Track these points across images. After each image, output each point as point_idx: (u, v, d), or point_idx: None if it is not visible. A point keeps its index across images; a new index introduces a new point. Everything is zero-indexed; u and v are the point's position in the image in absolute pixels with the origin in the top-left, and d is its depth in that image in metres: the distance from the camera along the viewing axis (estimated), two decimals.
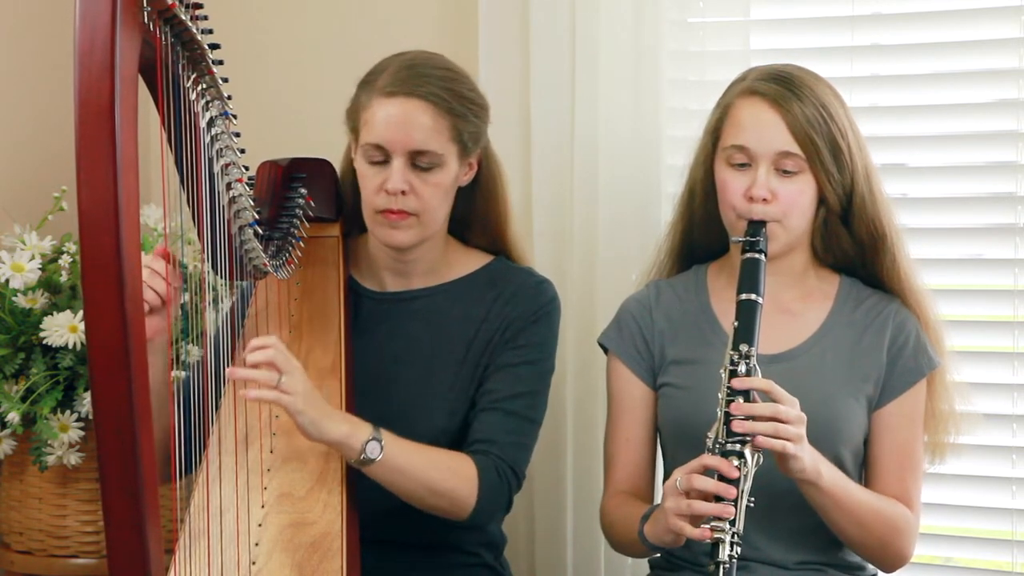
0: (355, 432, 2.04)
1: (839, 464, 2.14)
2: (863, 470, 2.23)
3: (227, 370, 2.01)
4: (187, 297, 2.51)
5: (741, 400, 1.97)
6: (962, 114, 2.54)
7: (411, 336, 2.29)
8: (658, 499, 2.28)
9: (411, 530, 2.26)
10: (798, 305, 2.24)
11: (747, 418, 1.96)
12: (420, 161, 2.17)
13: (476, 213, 2.34)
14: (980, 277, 2.61)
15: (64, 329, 2.52)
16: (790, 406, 1.98)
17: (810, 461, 2.01)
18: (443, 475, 2.12)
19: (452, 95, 2.19)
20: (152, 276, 2.01)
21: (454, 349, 2.27)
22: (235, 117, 1.87)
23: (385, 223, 2.21)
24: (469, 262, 2.34)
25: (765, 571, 2.16)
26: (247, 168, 1.97)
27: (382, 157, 2.19)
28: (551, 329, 2.28)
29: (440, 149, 2.18)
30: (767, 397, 1.99)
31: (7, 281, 2.57)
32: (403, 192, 2.17)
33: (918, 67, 2.57)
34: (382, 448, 2.04)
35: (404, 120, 2.16)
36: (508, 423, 2.20)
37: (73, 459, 2.57)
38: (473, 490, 2.14)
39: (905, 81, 2.58)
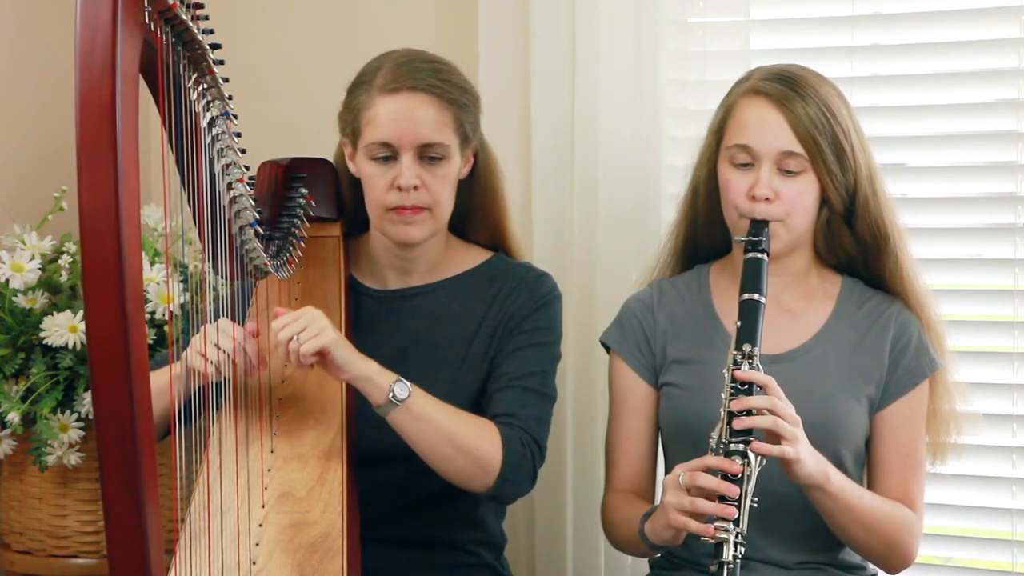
0: (384, 371, 2.07)
1: (840, 465, 2.14)
2: (864, 472, 2.23)
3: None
4: (187, 297, 2.51)
5: (742, 397, 1.98)
6: (962, 114, 2.54)
7: (412, 333, 2.29)
8: (658, 498, 2.28)
9: (411, 530, 2.26)
10: (800, 305, 2.24)
11: (746, 413, 1.96)
12: (428, 153, 2.18)
13: (475, 207, 2.35)
14: (980, 277, 2.61)
15: (64, 329, 2.52)
16: (786, 404, 1.98)
17: (816, 466, 2.01)
18: (470, 432, 2.12)
19: (451, 86, 2.20)
20: (238, 349, 2.05)
21: (455, 345, 2.27)
22: (236, 117, 1.87)
23: (399, 220, 2.21)
24: (469, 258, 2.34)
25: (765, 571, 2.16)
26: (248, 168, 1.97)
27: (389, 154, 2.19)
28: (554, 316, 2.29)
29: (446, 140, 2.19)
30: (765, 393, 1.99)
31: (7, 281, 2.57)
32: (415, 187, 2.18)
33: (918, 67, 2.57)
34: (410, 392, 2.06)
35: (410, 115, 2.17)
36: (525, 398, 2.21)
37: (73, 459, 2.57)
38: (498, 453, 2.13)
39: (905, 81, 2.58)
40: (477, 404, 2.25)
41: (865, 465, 2.24)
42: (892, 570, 2.19)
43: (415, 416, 2.08)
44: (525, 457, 2.17)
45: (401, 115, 2.17)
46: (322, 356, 2.03)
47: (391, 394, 2.05)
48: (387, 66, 2.21)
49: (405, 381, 2.07)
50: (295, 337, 2.02)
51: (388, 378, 2.07)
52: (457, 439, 2.10)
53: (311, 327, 2.02)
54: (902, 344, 2.20)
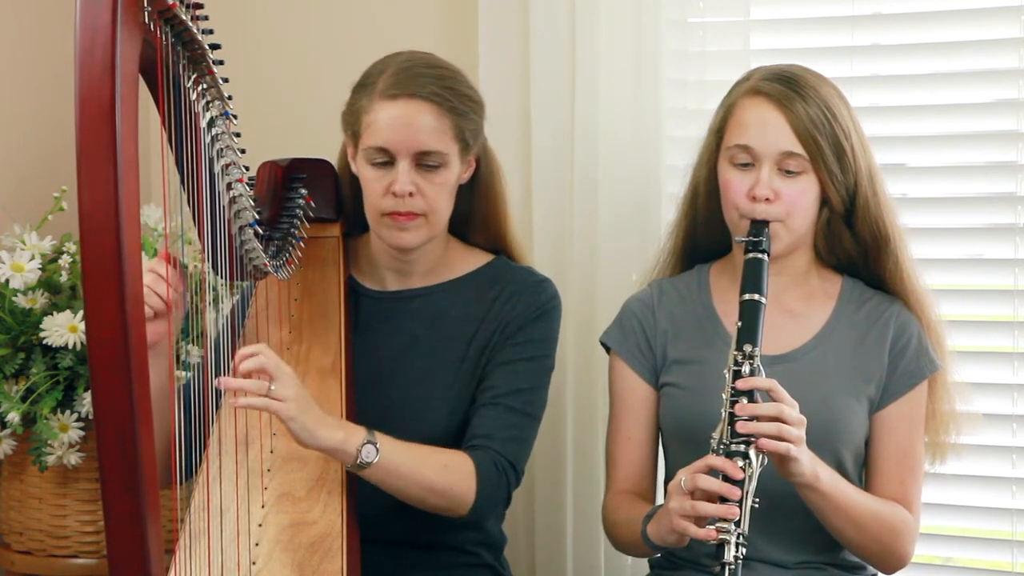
0: (349, 438, 2.03)
1: (840, 465, 2.14)
2: (863, 472, 2.23)
3: (216, 380, 1.98)
4: (187, 297, 2.51)
5: (745, 400, 1.98)
6: (962, 114, 2.54)
7: (411, 335, 2.29)
8: (659, 499, 2.29)
9: (411, 530, 2.26)
10: (800, 306, 2.24)
11: (751, 419, 1.96)
12: (425, 161, 2.18)
13: (476, 211, 2.35)
14: (980, 277, 2.61)
15: (64, 329, 2.52)
16: (791, 407, 1.98)
17: (808, 464, 2.00)
18: (441, 474, 2.12)
19: (452, 94, 2.19)
20: (156, 281, 2.01)
21: (454, 348, 2.27)
22: (235, 117, 1.87)
23: (393, 225, 2.21)
24: (469, 261, 2.34)
25: (766, 571, 2.16)
26: (247, 168, 1.97)
27: (387, 159, 2.19)
28: (551, 326, 2.29)
29: (444, 148, 2.18)
30: (769, 397, 1.99)
31: (7, 281, 2.57)
32: (410, 194, 2.18)
33: (918, 67, 2.57)
34: (378, 451, 2.04)
35: (408, 121, 2.16)
36: (507, 418, 2.20)
37: (73, 459, 2.57)
38: (471, 487, 2.13)
39: (905, 81, 2.58)
40: (475, 402, 2.25)
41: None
42: (887, 570, 2.19)
43: (386, 472, 2.06)
44: (500, 484, 2.17)
45: (399, 121, 2.17)
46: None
47: (358, 459, 2.03)
48: (390, 70, 2.20)
49: (373, 441, 2.04)
50: (268, 388, 1.95)
51: (355, 442, 2.02)
52: (428, 484, 2.11)
53: (280, 387, 1.95)
54: (901, 344, 2.20)
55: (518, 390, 2.22)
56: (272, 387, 1.95)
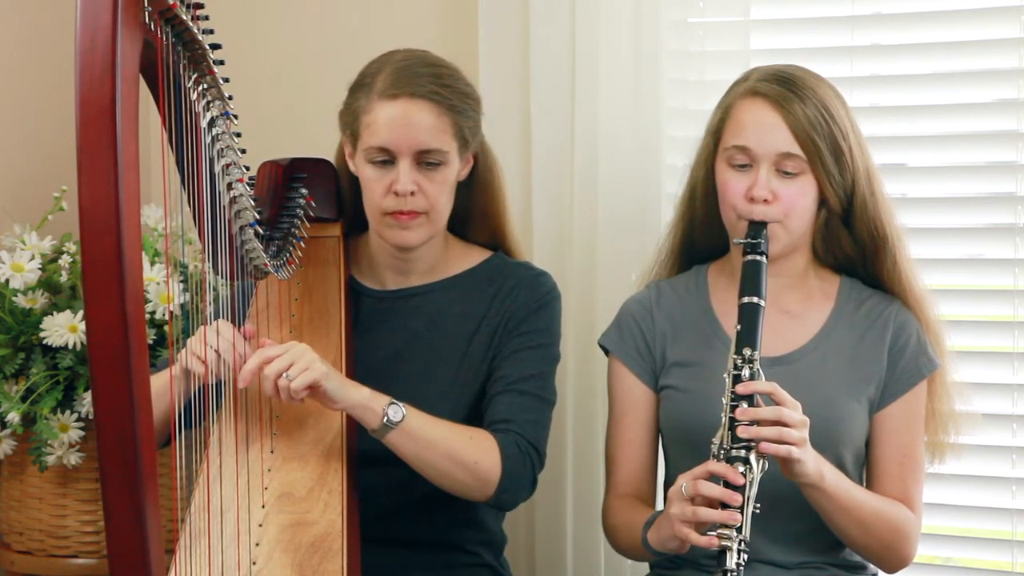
0: (375, 396, 2.08)
1: (840, 466, 2.14)
2: (864, 472, 2.23)
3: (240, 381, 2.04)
4: (187, 297, 2.51)
5: (745, 405, 1.97)
6: (962, 114, 2.54)
7: (412, 333, 2.29)
8: (659, 501, 2.28)
9: (411, 529, 2.26)
10: (799, 307, 2.23)
11: (752, 423, 1.95)
12: (426, 159, 2.18)
13: (474, 208, 2.35)
14: (980, 277, 2.61)
15: (64, 329, 2.52)
16: (793, 409, 1.98)
17: (813, 464, 2.00)
18: (467, 445, 2.12)
19: (451, 91, 2.20)
20: (228, 347, 2.05)
21: (455, 345, 2.27)
22: (236, 117, 1.87)
23: (395, 224, 2.21)
24: (468, 258, 2.35)
25: (767, 571, 2.16)
26: (248, 168, 1.97)
27: (387, 159, 2.19)
28: (553, 316, 2.29)
29: (444, 146, 2.19)
30: (770, 400, 1.99)
31: (7, 281, 2.57)
32: (412, 193, 2.18)
33: (918, 67, 2.57)
34: (404, 412, 2.06)
35: (408, 121, 2.17)
36: (522, 402, 2.21)
37: (73, 459, 2.57)
38: (496, 463, 2.13)
39: (905, 81, 2.58)
40: (477, 404, 2.26)
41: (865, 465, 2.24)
42: (890, 569, 2.19)
43: (411, 436, 2.08)
44: (524, 465, 2.17)
45: (399, 121, 2.17)
46: (313, 389, 2.03)
47: (385, 418, 2.06)
48: (387, 69, 2.21)
49: (399, 403, 2.07)
50: (284, 374, 2.01)
51: (381, 402, 2.07)
52: (455, 454, 2.11)
53: (299, 362, 2.02)
54: (900, 344, 2.19)
55: (529, 376, 2.23)
56: (291, 369, 2.00)
